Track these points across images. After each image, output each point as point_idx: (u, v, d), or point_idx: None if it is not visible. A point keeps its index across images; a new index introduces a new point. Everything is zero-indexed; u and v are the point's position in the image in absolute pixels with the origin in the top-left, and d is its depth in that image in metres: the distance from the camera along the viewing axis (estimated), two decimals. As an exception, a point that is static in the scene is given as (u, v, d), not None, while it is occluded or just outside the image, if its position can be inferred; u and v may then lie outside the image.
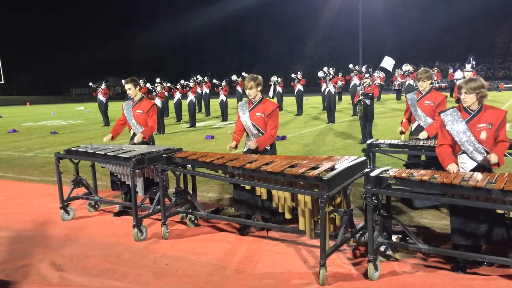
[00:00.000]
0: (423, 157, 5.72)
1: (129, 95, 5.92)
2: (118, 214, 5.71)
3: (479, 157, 3.75)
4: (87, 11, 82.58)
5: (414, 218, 5.07)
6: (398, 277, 3.65)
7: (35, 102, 60.41)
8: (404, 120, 5.90)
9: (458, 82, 10.56)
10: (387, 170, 3.74)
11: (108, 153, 5.06)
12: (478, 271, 3.67)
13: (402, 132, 5.82)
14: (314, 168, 3.86)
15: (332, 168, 3.84)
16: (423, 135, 5.53)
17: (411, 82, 21.39)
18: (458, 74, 18.24)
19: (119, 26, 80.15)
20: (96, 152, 5.19)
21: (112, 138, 5.88)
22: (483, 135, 3.70)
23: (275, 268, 3.93)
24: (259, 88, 4.88)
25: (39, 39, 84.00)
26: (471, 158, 3.78)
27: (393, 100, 28.03)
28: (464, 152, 3.81)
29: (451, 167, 3.65)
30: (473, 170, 3.74)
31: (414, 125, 5.80)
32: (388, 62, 10.61)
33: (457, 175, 3.44)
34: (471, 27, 56.33)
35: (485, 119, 3.74)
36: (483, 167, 3.75)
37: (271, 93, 22.43)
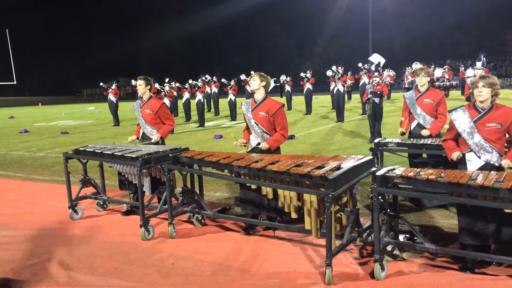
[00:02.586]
0: (424, 155, 5.68)
1: (138, 92, 5.97)
2: (126, 213, 5.75)
3: (487, 156, 3.72)
4: (97, 12, 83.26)
5: (422, 218, 5.03)
6: (405, 277, 3.62)
7: (47, 102, 61.09)
8: (403, 120, 5.86)
9: (469, 80, 10.48)
10: (394, 169, 3.71)
11: (115, 153, 5.09)
12: (486, 271, 3.63)
13: (403, 133, 5.80)
14: (319, 168, 3.85)
15: (337, 168, 3.83)
16: (425, 132, 5.50)
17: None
18: (469, 72, 18.06)
19: (129, 26, 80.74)
20: (104, 152, 5.23)
21: (138, 138, 6.03)
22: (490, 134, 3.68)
23: (281, 268, 3.92)
24: (263, 84, 4.83)
25: (51, 40, 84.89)
26: (478, 157, 3.75)
27: (403, 98, 27.84)
28: (471, 150, 3.78)
29: (455, 155, 3.84)
30: (481, 168, 3.70)
31: (413, 124, 5.77)
32: (376, 58, 10.82)
33: (464, 174, 3.40)
34: (481, 25, 55.64)
35: (495, 119, 3.70)
36: (491, 165, 3.71)
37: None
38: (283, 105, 4.90)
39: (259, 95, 4.87)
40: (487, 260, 3.60)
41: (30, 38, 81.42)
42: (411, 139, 5.56)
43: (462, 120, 3.82)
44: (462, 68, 28.62)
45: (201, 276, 3.84)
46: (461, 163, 3.89)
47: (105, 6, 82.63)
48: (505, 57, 55.75)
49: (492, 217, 3.50)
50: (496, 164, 3.71)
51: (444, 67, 28.17)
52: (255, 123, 4.83)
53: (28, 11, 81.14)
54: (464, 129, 3.80)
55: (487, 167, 3.71)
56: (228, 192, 6.60)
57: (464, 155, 3.86)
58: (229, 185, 6.89)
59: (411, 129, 5.83)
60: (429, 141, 5.22)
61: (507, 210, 3.23)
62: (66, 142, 14.15)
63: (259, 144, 4.87)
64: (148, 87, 5.89)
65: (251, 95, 4.99)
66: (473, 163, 3.78)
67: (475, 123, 3.75)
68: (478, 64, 10.15)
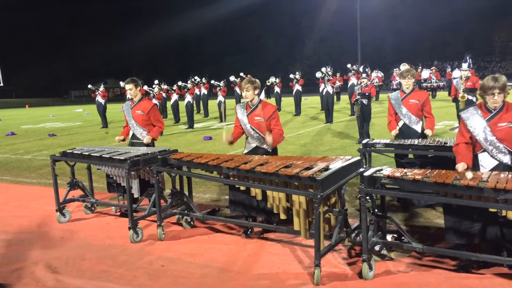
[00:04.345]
0: (410, 156, 5.72)
1: (129, 96, 5.92)
2: (123, 215, 5.68)
3: (501, 156, 3.64)
4: (85, 13, 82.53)
5: (410, 217, 5.07)
6: (393, 277, 3.66)
7: (34, 104, 60.41)
8: (390, 121, 5.87)
9: (455, 81, 10.60)
10: (381, 169, 3.74)
11: (103, 155, 5.06)
12: (472, 269, 3.67)
13: (396, 134, 5.80)
14: (308, 169, 3.87)
15: (326, 168, 3.85)
16: (429, 132, 5.54)
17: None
18: (456, 73, 18.22)
19: (118, 27, 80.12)
20: (92, 154, 5.20)
21: (124, 140, 5.96)
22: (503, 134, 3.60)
23: (271, 269, 3.93)
24: (256, 91, 4.85)
25: (38, 42, 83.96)
26: (491, 156, 3.67)
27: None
28: (485, 150, 3.70)
29: (459, 166, 3.55)
30: (494, 169, 3.64)
31: (399, 124, 5.80)
32: None
33: (450, 174, 3.44)
34: (469, 26, 56.35)
35: (507, 118, 3.62)
36: (504, 165, 3.63)
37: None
38: (277, 108, 4.93)
39: (254, 100, 4.88)
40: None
41: (17, 40, 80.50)
42: (399, 139, 5.60)
43: (474, 120, 3.72)
44: (449, 69, 28.92)
45: (190, 278, 3.84)
46: (474, 164, 3.77)
47: (93, 7, 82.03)
48: (491, 58, 56.48)
49: (478, 217, 3.53)
50: (509, 163, 3.63)
51: (431, 68, 28.43)
52: (251, 127, 4.83)
53: (15, 12, 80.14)
54: (476, 129, 3.70)
55: (500, 167, 3.64)
56: (218, 194, 6.60)
57: (477, 155, 3.76)
58: (218, 187, 6.89)
59: (397, 129, 5.86)
60: (416, 141, 5.27)
61: (491, 209, 3.27)
62: (53, 144, 14.02)
63: (257, 146, 4.88)
64: (138, 88, 5.85)
65: (240, 97, 5.00)
66: (486, 163, 3.71)
67: (488, 122, 3.66)
68: (464, 66, 10.25)
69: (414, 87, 5.76)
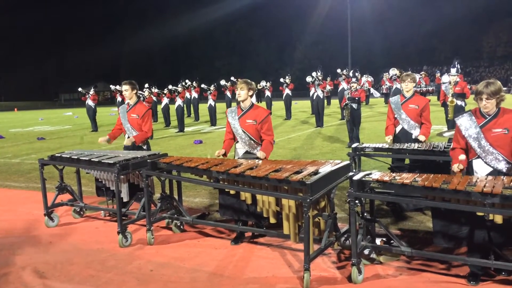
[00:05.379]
0: (407, 161, 5.76)
1: (125, 97, 5.92)
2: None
3: (494, 163, 3.61)
4: (76, 15, 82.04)
5: (399, 221, 5.11)
6: (382, 281, 3.68)
7: (23, 107, 59.83)
8: (388, 126, 5.90)
9: (443, 86, 10.71)
10: (370, 173, 3.76)
11: (92, 159, 5.03)
12: (460, 273, 3.70)
13: (391, 140, 5.82)
14: (297, 173, 3.88)
15: (315, 172, 3.86)
16: (422, 138, 5.57)
17: (398, 86, 21.52)
18: (445, 78, 18.42)
19: (108, 30, 79.78)
20: (80, 158, 5.16)
21: (109, 141, 5.88)
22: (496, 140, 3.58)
23: (260, 273, 3.93)
24: (250, 93, 4.86)
25: (28, 44, 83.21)
26: (485, 163, 3.65)
27: (381, 103, 28.22)
28: (479, 157, 3.68)
29: (454, 167, 3.60)
30: (488, 175, 3.60)
31: (397, 129, 5.84)
32: None
33: (438, 178, 3.47)
34: (458, 32, 56.96)
35: (501, 124, 3.58)
36: (498, 171, 3.61)
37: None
38: (270, 112, 4.94)
39: (246, 103, 4.88)
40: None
41: (5, 42, 79.69)
42: (396, 143, 5.61)
43: (468, 126, 3.71)
44: (438, 74, 29.22)
45: (180, 283, 3.82)
46: (468, 170, 3.78)
47: (84, 9, 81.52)
48: (479, 63, 57.05)
49: (466, 220, 3.56)
50: (504, 170, 3.60)
51: (421, 73, 28.63)
52: (243, 131, 4.83)
53: (3, 14, 79.29)
54: (470, 134, 3.68)
55: (494, 174, 3.60)
56: (207, 198, 6.58)
57: (471, 162, 3.75)
58: (208, 191, 6.87)
59: (396, 133, 5.89)
60: (405, 145, 5.30)
61: (479, 213, 3.31)
62: (42, 148, 13.89)
63: (247, 152, 4.88)
64: (135, 91, 5.86)
65: (231, 101, 5.01)
66: (480, 170, 3.69)
67: (481, 128, 3.64)
68: (453, 71, 10.37)
69: (414, 92, 5.79)
